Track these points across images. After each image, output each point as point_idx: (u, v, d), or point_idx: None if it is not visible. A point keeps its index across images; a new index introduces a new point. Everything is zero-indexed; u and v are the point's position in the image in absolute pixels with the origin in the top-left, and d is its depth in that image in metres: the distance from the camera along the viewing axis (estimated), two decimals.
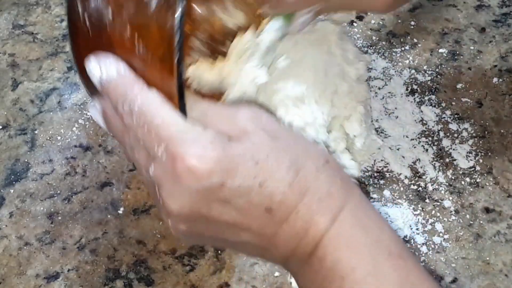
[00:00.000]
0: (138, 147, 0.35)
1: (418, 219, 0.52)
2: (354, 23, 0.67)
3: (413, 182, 0.54)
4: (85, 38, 0.37)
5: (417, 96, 0.60)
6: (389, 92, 0.60)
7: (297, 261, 0.35)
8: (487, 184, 0.54)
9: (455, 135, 0.57)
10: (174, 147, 0.32)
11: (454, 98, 0.60)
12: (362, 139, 0.53)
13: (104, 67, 0.36)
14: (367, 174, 0.55)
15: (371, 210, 0.36)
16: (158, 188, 0.34)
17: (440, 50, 0.64)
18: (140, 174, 0.37)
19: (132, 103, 0.34)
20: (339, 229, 0.33)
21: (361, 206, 0.35)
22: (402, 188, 0.54)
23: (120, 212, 0.54)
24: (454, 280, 0.49)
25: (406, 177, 0.55)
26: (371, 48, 0.65)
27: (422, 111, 0.59)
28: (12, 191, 0.56)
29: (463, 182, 0.54)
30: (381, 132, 0.58)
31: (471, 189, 0.54)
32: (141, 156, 0.35)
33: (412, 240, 0.51)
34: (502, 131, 0.57)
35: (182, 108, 0.34)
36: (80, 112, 0.61)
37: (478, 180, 0.54)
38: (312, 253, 0.34)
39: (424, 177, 0.55)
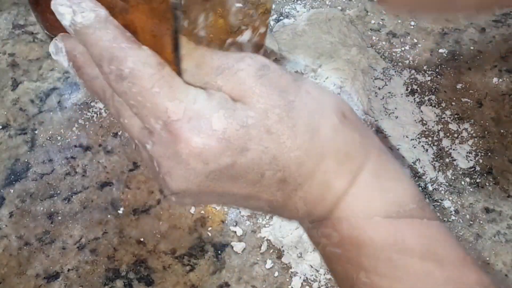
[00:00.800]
0: (128, 115, 0.30)
1: None
2: (353, 23, 0.67)
3: None
4: None
5: (417, 96, 0.60)
6: (389, 92, 0.60)
7: (311, 222, 0.32)
8: (487, 184, 0.54)
9: (455, 135, 0.57)
10: (176, 124, 0.27)
11: (454, 98, 0.60)
12: None
13: (78, 9, 0.29)
14: None
15: (391, 165, 0.32)
16: (158, 166, 0.29)
17: (440, 50, 0.64)
18: (132, 140, 0.31)
19: (121, 63, 0.28)
20: (357, 192, 0.30)
21: (380, 163, 0.31)
22: None
23: (120, 212, 0.54)
24: None
25: None
26: (371, 48, 0.65)
27: (422, 111, 0.59)
28: (12, 191, 0.56)
29: (463, 182, 0.54)
30: (381, 132, 0.57)
31: (471, 189, 0.54)
32: (133, 125, 0.30)
33: None
34: (502, 131, 0.57)
35: (176, 62, 0.28)
36: (80, 112, 0.61)
37: (478, 180, 0.54)
38: (327, 216, 0.31)
39: (424, 177, 0.55)
